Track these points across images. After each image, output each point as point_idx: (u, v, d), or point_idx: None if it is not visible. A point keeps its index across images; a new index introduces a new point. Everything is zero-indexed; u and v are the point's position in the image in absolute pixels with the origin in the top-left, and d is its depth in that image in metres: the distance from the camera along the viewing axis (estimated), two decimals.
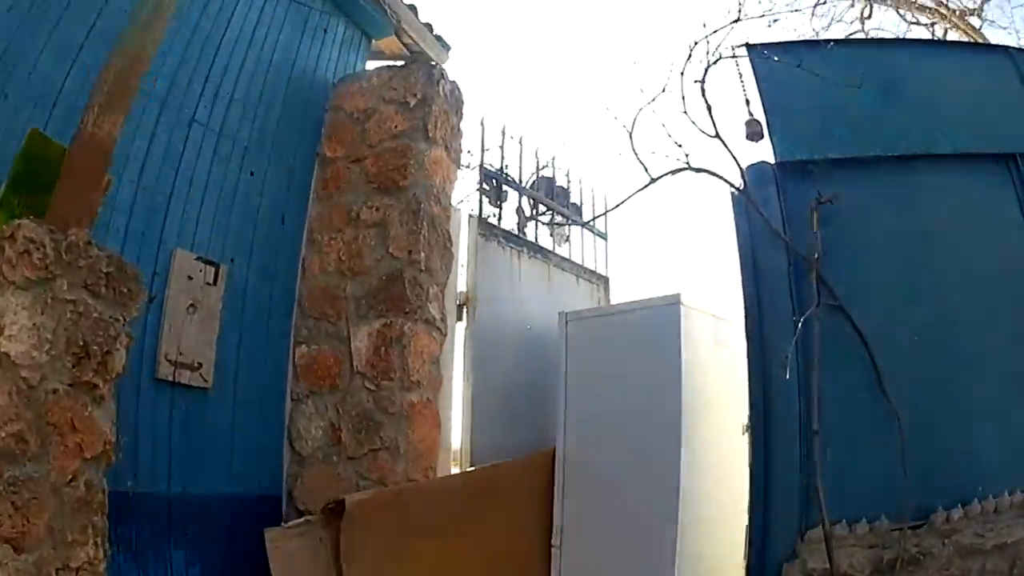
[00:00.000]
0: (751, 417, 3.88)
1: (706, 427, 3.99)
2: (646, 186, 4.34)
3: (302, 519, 3.63)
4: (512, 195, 5.08)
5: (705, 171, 4.22)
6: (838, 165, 4.05)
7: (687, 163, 4.19)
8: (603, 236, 5.91)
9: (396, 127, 4.37)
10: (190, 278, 3.67)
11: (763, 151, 4.28)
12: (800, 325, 3.80)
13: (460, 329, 4.45)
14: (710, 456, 4.03)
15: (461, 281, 4.54)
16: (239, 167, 4.11)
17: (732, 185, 4.17)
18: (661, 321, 4.02)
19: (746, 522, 3.82)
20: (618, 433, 4.04)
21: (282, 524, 3.71)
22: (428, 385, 4.05)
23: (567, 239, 5.50)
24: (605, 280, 5.78)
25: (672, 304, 4.00)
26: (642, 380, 4.00)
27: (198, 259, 3.73)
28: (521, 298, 4.82)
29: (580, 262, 5.56)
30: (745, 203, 4.16)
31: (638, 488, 3.89)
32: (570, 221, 5.50)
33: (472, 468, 4.17)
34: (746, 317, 3.96)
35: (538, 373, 4.80)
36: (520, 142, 5.17)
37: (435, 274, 4.23)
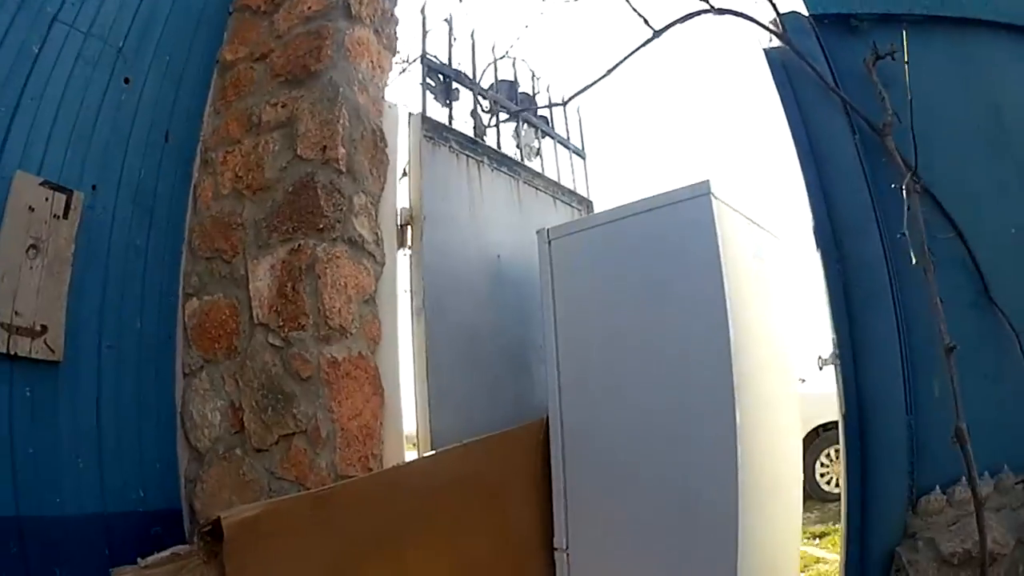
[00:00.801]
0: (837, 345, 2.79)
1: (757, 374, 2.84)
2: (650, 40, 3.17)
3: (168, 550, 2.28)
4: (466, 97, 3.86)
5: (730, 12, 3.06)
6: (884, 23, 3.02)
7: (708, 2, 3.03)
8: (581, 154, 4.72)
9: (310, 7, 3.13)
10: (31, 209, 2.48)
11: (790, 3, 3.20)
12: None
13: (403, 259, 3.20)
14: (764, 413, 2.89)
15: (403, 197, 3.28)
16: (110, 72, 2.91)
17: (770, 30, 3.02)
18: (686, 221, 2.83)
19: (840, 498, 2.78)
20: (636, 390, 2.87)
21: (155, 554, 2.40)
22: (359, 334, 2.79)
23: (537, 153, 4.29)
24: (588, 203, 4.57)
25: (701, 196, 2.81)
26: (665, 311, 2.84)
27: (45, 184, 2.53)
28: (483, 220, 3.58)
29: (556, 179, 4.34)
30: (783, 58, 3.05)
31: (673, 466, 2.73)
32: (541, 130, 4.30)
33: (432, 453, 2.89)
34: (813, 215, 2.88)
35: (514, 317, 3.60)
36: (472, 35, 3.94)
37: (361, 179, 2.98)
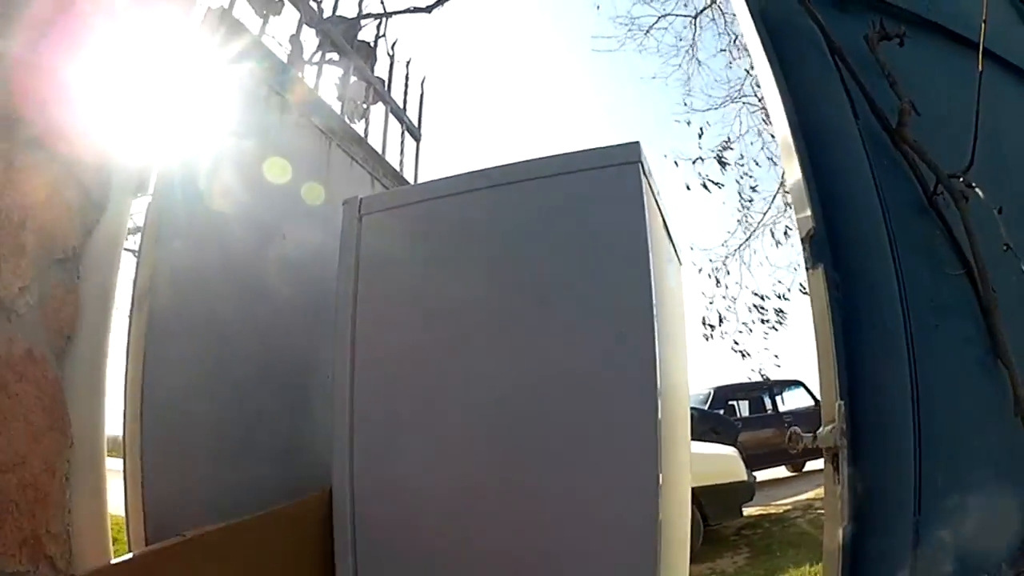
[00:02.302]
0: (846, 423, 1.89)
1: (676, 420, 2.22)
2: None
3: None
4: (290, 16, 2.78)
5: None
6: (876, 11, 2.33)
7: None
8: (415, 134, 3.76)
9: None
10: None
11: None
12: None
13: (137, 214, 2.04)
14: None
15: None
16: None
17: None
18: (603, 195, 2.03)
19: None
20: (490, 447, 1.98)
21: None
22: (33, 318, 1.54)
23: (363, 116, 3.28)
24: None
25: (629, 162, 2.03)
26: (551, 323, 1.99)
27: None
28: (271, 182, 2.49)
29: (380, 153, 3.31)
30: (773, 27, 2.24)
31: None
32: (375, 89, 3.30)
33: (144, 551, 1.71)
34: (814, 216, 2.01)
35: (295, 328, 2.54)
36: None
37: None
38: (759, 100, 9.97)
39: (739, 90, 10.68)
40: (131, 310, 1.88)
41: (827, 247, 1.98)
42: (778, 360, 11.45)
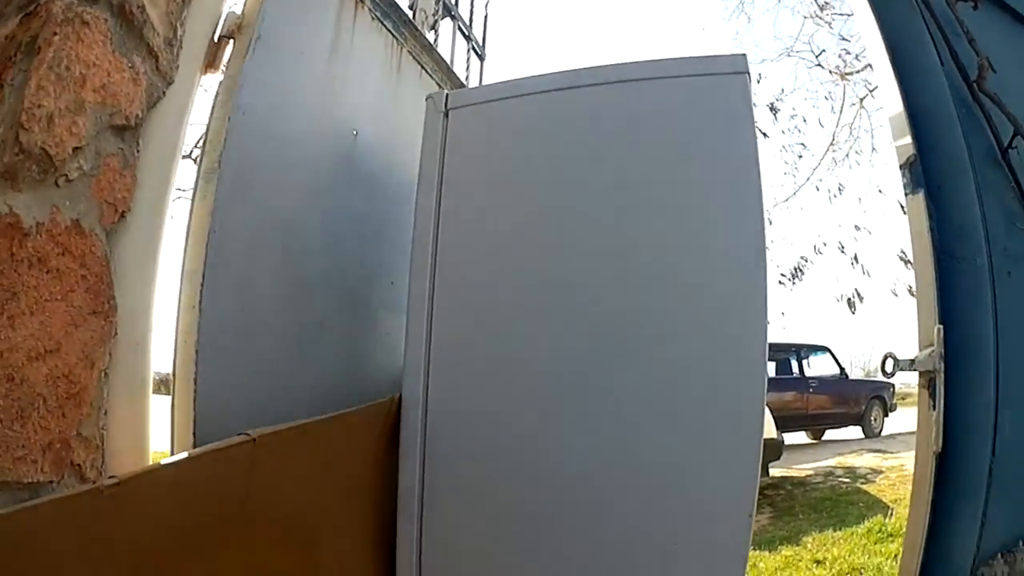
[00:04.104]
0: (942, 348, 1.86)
1: None
2: None
3: None
4: None
5: None
6: None
7: None
8: (480, 53, 3.50)
9: None
10: None
11: None
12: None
13: (211, 89, 1.81)
14: None
15: None
16: None
17: None
18: (712, 106, 1.85)
19: None
20: (587, 362, 1.80)
21: None
22: (84, 185, 1.32)
23: (433, 27, 3.03)
24: None
25: (737, 72, 1.84)
26: (661, 235, 1.81)
27: None
28: (344, 80, 2.22)
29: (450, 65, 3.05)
30: None
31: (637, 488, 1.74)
32: (444, 3, 3.04)
33: (199, 452, 1.44)
34: (915, 144, 2.00)
35: (360, 232, 2.31)
36: None
37: None
38: (815, 56, 9.60)
39: (792, 47, 10.25)
40: (194, 192, 1.66)
41: (923, 176, 1.97)
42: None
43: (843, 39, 9.61)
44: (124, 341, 1.42)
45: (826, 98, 9.75)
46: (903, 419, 11.04)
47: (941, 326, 1.85)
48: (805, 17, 10.55)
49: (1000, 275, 1.91)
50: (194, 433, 1.52)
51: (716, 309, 1.73)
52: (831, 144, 9.73)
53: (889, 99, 2.07)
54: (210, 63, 1.75)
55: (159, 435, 1.50)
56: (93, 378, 1.33)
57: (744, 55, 1.87)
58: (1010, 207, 2.06)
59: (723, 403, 1.69)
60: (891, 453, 8.91)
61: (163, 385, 1.56)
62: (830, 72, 9.58)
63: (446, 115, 2.04)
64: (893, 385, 12.29)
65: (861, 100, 9.98)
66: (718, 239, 1.76)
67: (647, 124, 1.87)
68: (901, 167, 2.00)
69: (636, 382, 1.75)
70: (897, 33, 2.10)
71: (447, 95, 2.07)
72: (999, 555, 1.89)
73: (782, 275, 10.44)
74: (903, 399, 12.85)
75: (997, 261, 1.92)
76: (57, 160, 1.24)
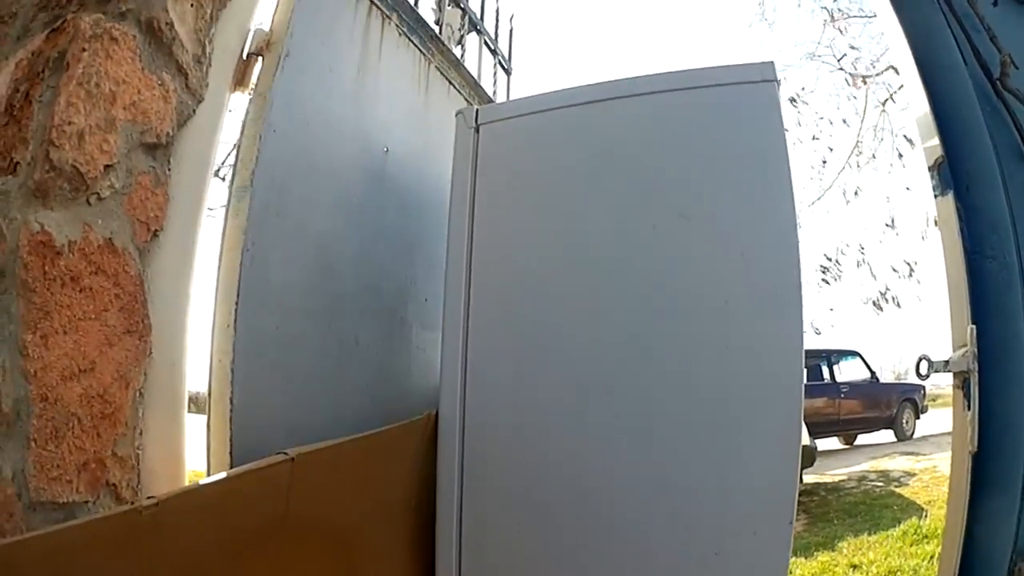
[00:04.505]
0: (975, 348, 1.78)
1: None
2: None
3: None
4: None
5: None
6: None
7: None
8: (507, 67, 3.48)
9: None
10: None
11: None
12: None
13: (239, 110, 1.80)
14: None
15: (263, 14, 1.86)
16: None
17: None
18: (742, 114, 1.79)
19: None
20: (627, 370, 1.75)
21: None
22: (117, 203, 1.29)
23: (459, 42, 3.00)
24: None
25: (767, 80, 1.79)
26: (689, 241, 1.76)
27: None
28: (373, 96, 2.19)
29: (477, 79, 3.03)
30: None
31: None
32: (470, 18, 3.02)
33: (237, 472, 1.40)
34: (943, 145, 1.94)
35: (394, 249, 2.28)
36: None
37: None
38: (837, 60, 9.52)
39: (815, 52, 10.17)
40: (227, 210, 1.64)
41: (951, 176, 1.92)
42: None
43: (852, 47, 9.52)
44: (159, 360, 1.39)
45: (850, 99, 9.62)
46: (935, 421, 10.86)
47: (974, 326, 1.79)
48: (825, 21, 10.49)
49: None
50: (231, 452, 1.48)
51: (752, 317, 1.67)
52: (856, 146, 9.60)
53: (914, 100, 2.03)
54: (239, 81, 1.73)
55: (194, 454, 1.46)
56: (128, 397, 1.29)
57: (772, 62, 1.82)
58: None
59: (762, 411, 1.63)
60: (924, 455, 8.72)
61: (192, 403, 1.53)
62: (850, 75, 9.49)
63: (476, 130, 2.01)
64: (924, 387, 12.03)
65: (883, 103, 9.84)
66: (752, 247, 1.71)
67: (678, 134, 1.83)
68: (929, 168, 1.95)
69: (673, 393, 1.69)
70: (920, 32, 2.05)
71: (477, 110, 2.04)
72: None
73: (823, 277, 10.29)
74: (933, 400, 12.58)
75: None
76: (88, 178, 1.22)
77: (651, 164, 1.81)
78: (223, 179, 1.70)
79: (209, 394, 1.53)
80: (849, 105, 9.52)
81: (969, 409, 1.76)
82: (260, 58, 1.77)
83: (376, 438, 1.70)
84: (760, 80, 1.80)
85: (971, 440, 1.75)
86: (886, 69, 9.30)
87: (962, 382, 1.80)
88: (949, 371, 1.83)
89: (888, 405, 11.25)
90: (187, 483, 1.40)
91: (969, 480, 1.77)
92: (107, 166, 1.27)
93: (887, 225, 10.29)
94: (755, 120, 1.77)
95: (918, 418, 11.60)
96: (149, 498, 1.11)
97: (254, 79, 1.76)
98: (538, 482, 1.76)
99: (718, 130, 1.80)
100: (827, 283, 10.10)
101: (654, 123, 1.85)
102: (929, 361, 1.88)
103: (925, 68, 2.01)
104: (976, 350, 1.77)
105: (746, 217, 1.72)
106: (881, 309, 10.89)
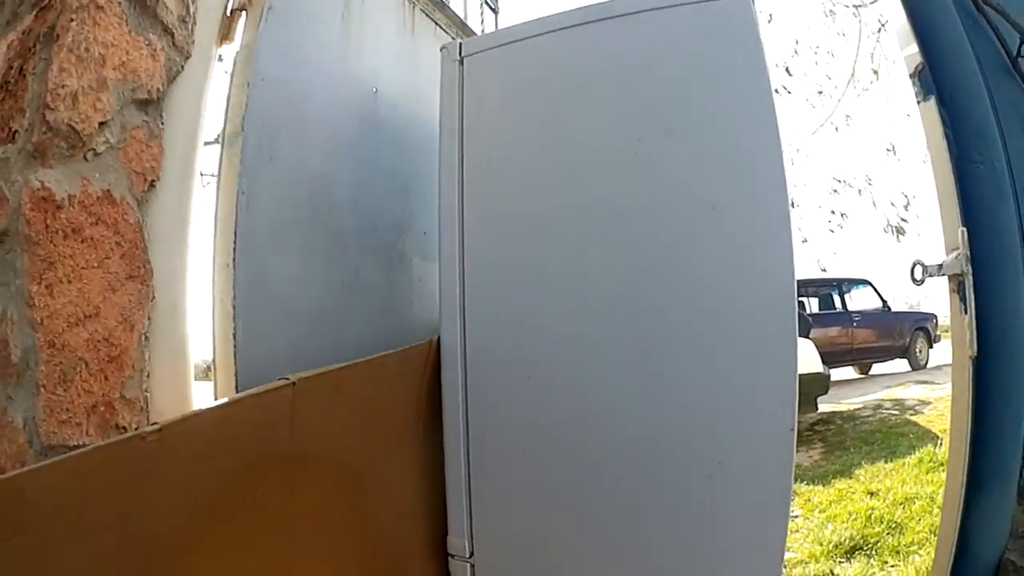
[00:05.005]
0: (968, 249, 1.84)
1: None
2: None
3: None
4: None
5: None
6: None
7: None
8: (494, 6, 3.50)
9: None
10: None
11: None
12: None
13: (222, 65, 1.87)
14: None
15: None
16: None
17: None
18: (721, 31, 1.80)
19: None
20: (619, 290, 1.80)
21: None
22: (113, 157, 1.40)
23: None
24: None
25: None
26: (677, 164, 1.79)
27: None
28: (360, 39, 2.26)
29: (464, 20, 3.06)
30: None
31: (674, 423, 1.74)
32: None
33: (239, 396, 1.51)
34: (922, 52, 1.96)
35: (388, 186, 2.36)
36: None
37: None
38: None
39: None
40: (220, 157, 1.74)
41: (933, 82, 1.92)
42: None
43: None
44: (162, 304, 1.50)
45: (840, 34, 9.30)
46: (948, 350, 10.64)
47: (965, 229, 1.82)
48: None
49: (1020, 179, 1.87)
50: (236, 389, 1.61)
51: (741, 221, 1.71)
52: (852, 76, 9.34)
53: (895, 11, 2.02)
54: (225, 35, 1.80)
55: (202, 399, 1.57)
56: (133, 341, 1.41)
57: None
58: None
59: (758, 313, 1.68)
60: (938, 384, 8.72)
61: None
62: (844, 7, 9.16)
63: (461, 63, 2.05)
64: (936, 316, 11.94)
65: (877, 32, 9.52)
66: (737, 162, 1.74)
67: (657, 53, 1.85)
68: (911, 76, 1.96)
69: (670, 304, 1.74)
70: None
71: (460, 43, 2.07)
72: None
73: (831, 211, 10.15)
74: (946, 331, 12.47)
75: (1017, 164, 1.87)
76: (84, 135, 1.33)
77: (632, 83, 1.84)
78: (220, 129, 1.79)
79: (213, 335, 1.65)
80: (839, 39, 9.21)
81: (966, 312, 1.81)
82: (244, 13, 1.84)
83: (379, 362, 1.79)
84: None
85: (970, 343, 1.80)
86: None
87: (957, 286, 1.84)
88: (943, 274, 1.87)
89: (901, 334, 11.21)
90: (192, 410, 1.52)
91: (972, 385, 1.82)
92: (101, 123, 1.37)
93: (887, 151, 10.05)
94: (732, 35, 1.79)
95: (931, 347, 11.59)
96: (152, 424, 1.24)
97: (239, 33, 1.84)
98: (541, 406, 1.84)
99: (696, 47, 1.82)
100: (843, 215, 9.95)
101: (634, 44, 1.87)
102: (923, 265, 1.91)
103: None
104: (968, 252, 1.81)
105: (731, 131, 1.75)
106: (903, 234, 10.68)
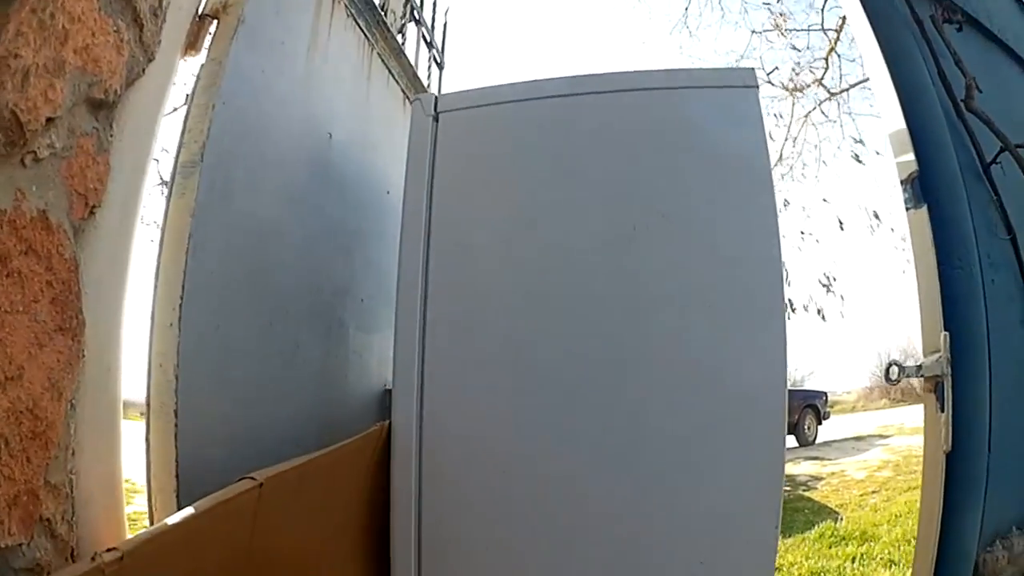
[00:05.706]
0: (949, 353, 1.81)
1: None
2: None
3: None
4: None
5: None
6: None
7: None
8: (440, 61, 3.29)
9: None
10: None
11: None
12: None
13: (186, 73, 1.52)
14: None
15: None
16: None
17: None
18: (725, 118, 1.74)
19: None
20: (604, 378, 1.62)
21: None
22: (53, 165, 1.02)
23: (400, 31, 2.79)
24: None
25: (749, 86, 1.77)
26: (673, 244, 1.68)
27: None
28: (320, 78, 1.97)
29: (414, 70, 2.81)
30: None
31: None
32: (411, 6, 2.81)
33: (201, 505, 1.08)
34: (918, 159, 1.96)
35: (334, 244, 2.06)
36: None
37: None
38: (767, 73, 9.83)
39: (739, 62, 10.38)
40: (171, 188, 1.37)
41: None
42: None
43: (794, 48, 9.85)
44: (92, 364, 1.11)
45: (775, 115, 9.95)
46: (835, 427, 11.29)
47: (947, 333, 1.82)
48: (753, 32, 10.82)
49: (986, 283, 1.93)
50: (177, 464, 1.23)
51: (735, 324, 1.61)
52: (779, 159, 9.96)
53: (888, 116, 2.05)
54: (191, 44, 1.47)
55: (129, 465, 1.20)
56: (60, 411, 1.02)
57: (753, 69, 1.83)
58: (991, 218, 2.09)
59: (745, 418, 1.57)
60: (829, 460, 9.00)
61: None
62: (782, 87, 9.83)
63: (436, 119, 1.83)
64: (825, 394, 12.55)
65: (807, 115, 10.26)
66: (732, 246, 1.66)
67: (657, 132, 1.75)
68: (902, 182, 1.97)
69: (650, 399, 1.60)
70: (893, 51, 2.08)
71: (436, 98, 1.86)
72: (997, 540, 1.92)
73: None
74: (832, 407, 13.17)
75: (984, 270, 1.94)
76: (28, 129, 0.95)
77: (628, 162, 1.72)
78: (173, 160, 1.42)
79: (148, 404, 1.26)
80: (771, 119, 9.85)
81: (943, 411, 1.80)
82: (215, 22, 1.52)
83: (335, 454, 1.48)
84: (742, 85, 1.77)
85: (945, 440, 1.78)
86: (814, 82, 9.69)
87: (934, 386, 1.83)
88: (922, 376, 1.85)
89: (789, 411, 11.67)
90: (123, 509, 1.14)
91: (943, 479, 1.79)
92: (49, 119, 1.00)
93: (802, 234, 10.71)
94: (738, 123, 1.73)
95: (820, 424, 12.04)
96: (110, 550, 0.86)
97: (206, 44, 1.51)
98: (504, 492, 1.61)
99: (699, 131, 1.74)
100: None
101: (631, 120, 1.75)
102: (900, 366, 1.90)
103: (899, 86, 2.04)
104: (950, 355, 1.80)
105: (728, 217, 1.67)
106: (823, 319, 11.04)
